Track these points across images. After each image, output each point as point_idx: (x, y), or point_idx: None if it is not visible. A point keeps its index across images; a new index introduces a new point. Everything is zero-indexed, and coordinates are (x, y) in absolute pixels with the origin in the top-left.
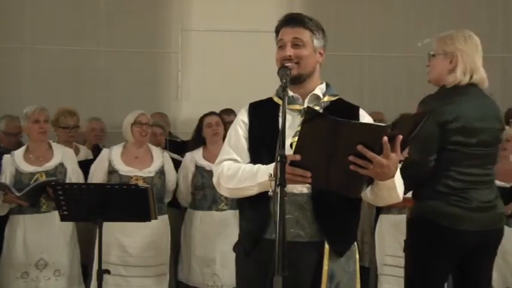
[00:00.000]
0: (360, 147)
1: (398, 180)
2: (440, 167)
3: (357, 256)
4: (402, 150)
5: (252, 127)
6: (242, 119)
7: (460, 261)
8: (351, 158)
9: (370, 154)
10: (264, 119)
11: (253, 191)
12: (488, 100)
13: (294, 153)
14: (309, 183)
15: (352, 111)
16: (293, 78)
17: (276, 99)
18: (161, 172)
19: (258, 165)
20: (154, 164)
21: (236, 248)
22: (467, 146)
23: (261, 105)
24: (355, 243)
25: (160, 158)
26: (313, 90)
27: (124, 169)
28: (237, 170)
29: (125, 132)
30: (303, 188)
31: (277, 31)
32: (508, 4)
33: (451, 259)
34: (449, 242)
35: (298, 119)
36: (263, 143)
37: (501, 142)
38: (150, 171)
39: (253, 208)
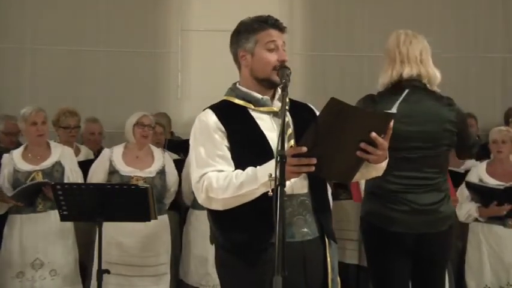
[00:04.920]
0: (373, 135)
1: None
2: None
3: None
4: None
5: (232, 133)
6: (217, 126)
7: (413, 268)
8: (362, 145)
9: (380, 140)
10: (241, 123)
11: (256, 194)
12: (426, 102)
13: (300, 145)
14: (312, 172)
15: (307, 106)
16: (276, 83)
17: (237, 100)
18: (162, 172)
19: (251, 168)
20: (155, 165)
21: (225, 261)
22: (397, 149)
23: (227, 109)
24: None
25: (162, 158)
26: (276, 91)
27: (125, 169)
28: (230, 178)
29: (127, 133)
30: (303, 188)
31: (255, 30)
32: (508, 4)
33: (395, 261)
34: (387, 243)
35: (275, 121)
36: (248, 149)
37: (448, 146)
38: (150, 171)
39: (251, 216)
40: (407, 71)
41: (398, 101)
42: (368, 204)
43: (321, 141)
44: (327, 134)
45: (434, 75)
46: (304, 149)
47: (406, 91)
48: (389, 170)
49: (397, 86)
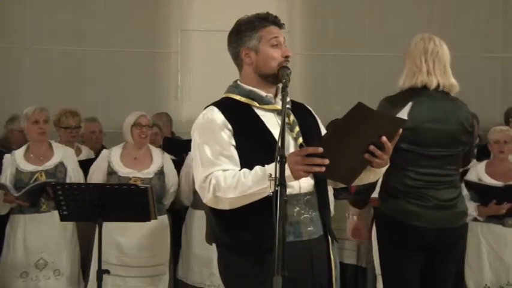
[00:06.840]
0: (384, 139)
1: None
2: (398, 166)
3: None
4: None
5: (239, 131)
6: (224, 124)
7: (424, 262)
8: (371, 148)
9: (389, 145)
10: (247, 121)
11: (265, 193)
12: (447, 103)
13: (316, 145)
14: (321, 172)
15: (305, 106)
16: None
17: (241, 98)
18: (160, 173)
19: (259, 167)
20: (154, 165)
21: (230, 262)
22: (422, 147)
23: (231, 107)
24: None
25: (160, 159)
26: (278, 90)
27: (123, 170)
28: (238, 177)
29: (125, 133)
30: (309, 187)
31: (257, 27)
32: (508, 3)
33: (413, 257)
34: (408, 237)
35: (280, 119)
36: (255, 147)
37: (464, 144)
38: (148, 172)
39: (257, 215)
40: (435, 83)
41: (410, 107)
42: (391, 200)
43: (337, 143)
44: (343, 136)
45: (454, 85)
46: (320, 149)
47: (419, 93)
48: (412, 166)
49: (417, 90)
